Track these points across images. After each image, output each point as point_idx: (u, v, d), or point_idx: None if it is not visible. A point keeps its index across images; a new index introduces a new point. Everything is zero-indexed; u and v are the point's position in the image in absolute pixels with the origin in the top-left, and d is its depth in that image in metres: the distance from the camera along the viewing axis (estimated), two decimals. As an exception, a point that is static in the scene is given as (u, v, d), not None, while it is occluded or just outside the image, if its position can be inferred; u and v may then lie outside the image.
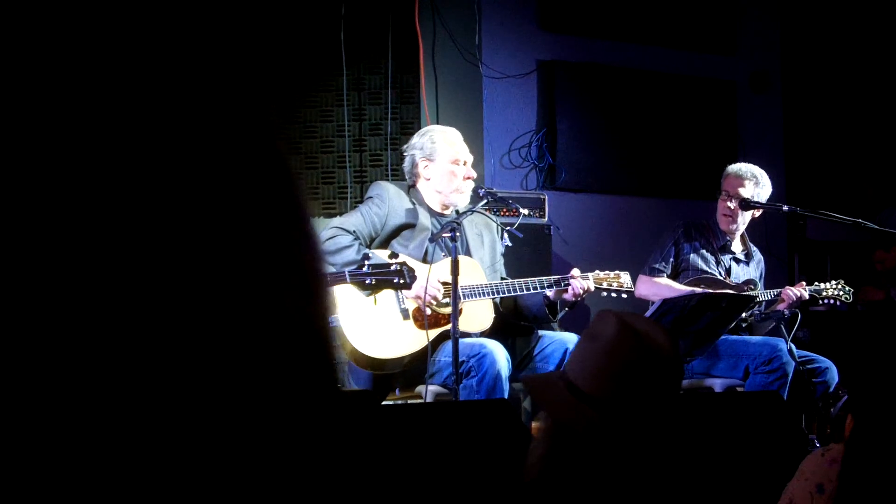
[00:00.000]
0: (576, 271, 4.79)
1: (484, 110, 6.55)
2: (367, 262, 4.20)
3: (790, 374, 5.16)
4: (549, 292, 4.79)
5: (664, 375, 1.89)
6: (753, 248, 5.80)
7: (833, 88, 7.84)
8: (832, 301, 5.68)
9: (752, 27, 7.50)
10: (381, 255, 4.54)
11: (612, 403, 1.90)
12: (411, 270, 4.23)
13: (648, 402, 1.89)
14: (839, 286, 5.69)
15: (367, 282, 4.18)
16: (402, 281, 4.19)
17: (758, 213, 5.73)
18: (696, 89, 7.19)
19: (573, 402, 1.94)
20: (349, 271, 4.21)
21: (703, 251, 5.59)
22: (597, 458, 1.91)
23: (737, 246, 5.70)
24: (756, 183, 5.60)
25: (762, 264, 5.87)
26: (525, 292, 4.76)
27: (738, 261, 5.70)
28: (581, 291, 4.74)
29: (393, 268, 4.20)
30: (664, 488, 1.92)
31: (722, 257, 5.63)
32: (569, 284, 4.73)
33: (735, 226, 5.63)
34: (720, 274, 5.55)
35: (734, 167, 5.70)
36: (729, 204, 5.58)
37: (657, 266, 5.56)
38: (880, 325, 6.56)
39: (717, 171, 5.83)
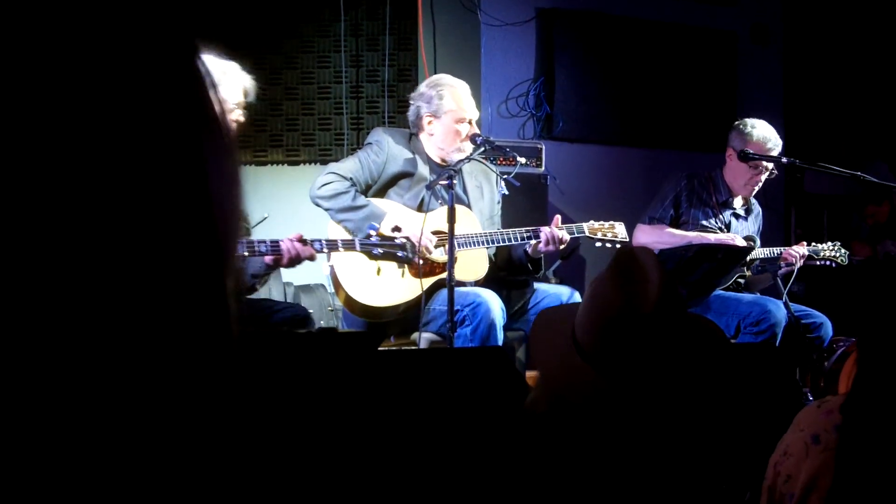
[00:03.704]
0: (557, 219, 4.74)
1: (482, 58, 6.51)
2: (373, 234, 4.35)
3: (779, 335, 5.15)
4: (529, 246, 4.75)
5: (648, 331, 1.87)
6: (753, 202, 5.76)
7: (832, 41, 7.79)
8: (829, 262, 5.68)
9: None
10: (379, 205, 4.55)
11: (601, 355, 1.89)
12: (413, 245, 4.40)
13: (635, 355, 1.87)
14: (836, 248, 5.68)
15: (374, 252, 4.37)
16: (406, 255, 4.38)
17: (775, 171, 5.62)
18: (696, 39, 7.14)
19: (571, 351, 1.93)
20: (359, 241, 4.34)
21: (705, 205, 5.55)
22: (593, 409, 1.90)
23: (738, 201, 5.65)
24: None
25: (760, 217, 5.83)
26: (515, 242, 4.73)
27: (737, 216, 5.65)
28: (551, 240, 4.67)
29: (398, 241, 4.36)
30: (659, 440, 1.92)
31: (722, 213, 5.58)
32: (538, 236, 4.68)
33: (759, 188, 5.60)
34: (720, 229, 5.52)
35: (770, 132, 5.55)
36: (765, 177, 5.52)
37: (657, 216, 5.51)
38: (869, 280, 6.57)
39: (716, 122, 5.78)
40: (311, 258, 4.20)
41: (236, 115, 4.20)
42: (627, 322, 1.85)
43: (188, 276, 0.60)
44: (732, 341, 5.27)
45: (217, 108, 0.64)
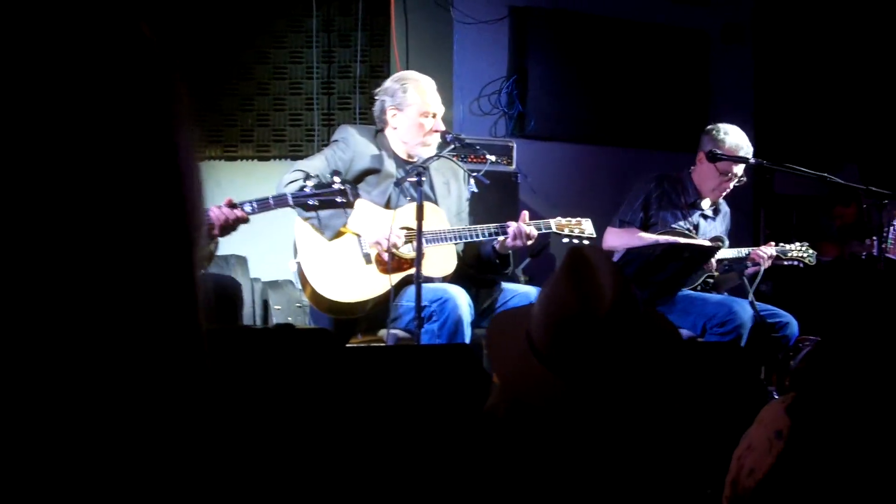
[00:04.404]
0: (524, 215, 4.74)
1: (454, 55, 6.51)
2: (308, 184, 4.15)
3: (745, 336, 5.17)
4: (497, 242, 4.75)
5: (603, 334, 1.86)
6: (721, 201, 5.78)
7: (804, 42, 7.83)
8: (797, 262, 5.70)
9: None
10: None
11: (556, 356, 1.88)
12: (353, 188, 4.18)
13: (589, 356, 1.87)
14: (803, 248, 5.71)
15: (309, 202, 4.14)
16: (344, 200, 4.14)
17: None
18: (668, 39, 7.16)
19: (527, 353, 1.92)
20: (291, 193, 4.14)
21: (674, 207, 5.56)
22: (550, 412, 1.90)
23: (706, 202, 5.66)
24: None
25: (728, 217, 5.85)
26: (484, 238, 4.73)
27: (705, 216, 5.67)
28: (518, 236, 4.67)
29: (335, 187, 4.14)
30: (623, 438, 1.92)
31: (691, 214, 5.60)
32: (506, 231, 4.68)
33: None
34: (689, 231, 5.53)
35: (742, 140, 5.55)
36: (734, 184, 5.55)
37: (627, 219, 5.51)
38: (836, 281, 6.61)
39: (687, 122, 5.78)
40: (245, 220, 4.04)
41: None
42: (583, 324, 1.84)
43: (163, 266, 0.61)
44: (699, 340, 5.30)
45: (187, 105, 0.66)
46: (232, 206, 3.99)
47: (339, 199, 4.13)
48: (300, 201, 4.14)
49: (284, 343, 2.63)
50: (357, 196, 4.19)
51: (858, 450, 1.88)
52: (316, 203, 4.14)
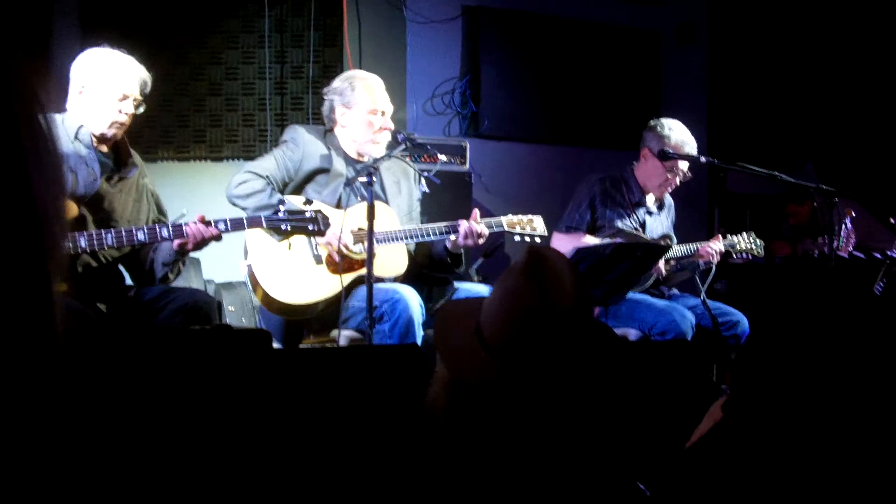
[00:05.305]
0: (475, 213, 4.74)
1: (407, 55, 6.50)
2: (282, 208, 4.21)
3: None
4: (449, 241, 4.75)
5: (563, 328, 1.86)
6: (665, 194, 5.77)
7: (757, 42, 7.89)
8: (745, 255, 5.72)
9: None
10: (295, 202, 4.50)
11: (510, 352, 1.87)
12: (325, 218, 4.24)
13: (548, 351, 1.86)
14: (751, 239, 5.73)
15: (282, 227, 4.20)
16: (316, 228, 4.22)
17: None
18: (621, 39, 7.20)
19: (476, 347, 1.91)
20: (265, 216, 4.20)
21: (618, 206, 5.55)
22: (497, 407, 1.89)
23: (650, 198, 5.68)
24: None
25: (673, 210, 5.85)
26: (435, 238, 4.73)
27: (650, 213, 5.67)
28: (469, 234, 4.67)
29: (308, 214, 4.21)
30: (570, 434, 1.92)
31: (636, 212, 5.60)
32: (457, 230, 4.69)
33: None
34: (636, 229, 5.54)
35: (686, 136, 5.57)
36: (679, 180, 5.55)
37: (573, 224, 5.50)
38: (788, 279, 6.66)
39: (640, 121, 5.75)
40: (217, 238, 4.11)
41: (131, 108, 4.18)
42: (544, 317, 1.84)
43: (12, 272, 0.60)
44: (652, 340, 5.31)
45: (41, 121, 0.65)
46: (206, 223, 4.03)
47: (311, 227, 4.21)
48: (273, 225, 4.19)
49: (221, 344, 2.61)
50: (328, 225, 4.22)
51: (786, 444, 1.89)
52: (289, 228, 4.20)
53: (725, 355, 5.34)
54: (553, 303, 1.83)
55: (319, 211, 4.25)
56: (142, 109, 4.23)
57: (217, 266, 5.77)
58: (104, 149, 4.23)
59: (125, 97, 4.15)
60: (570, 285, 1.86)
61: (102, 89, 4.14)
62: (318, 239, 4.59)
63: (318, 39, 6.35)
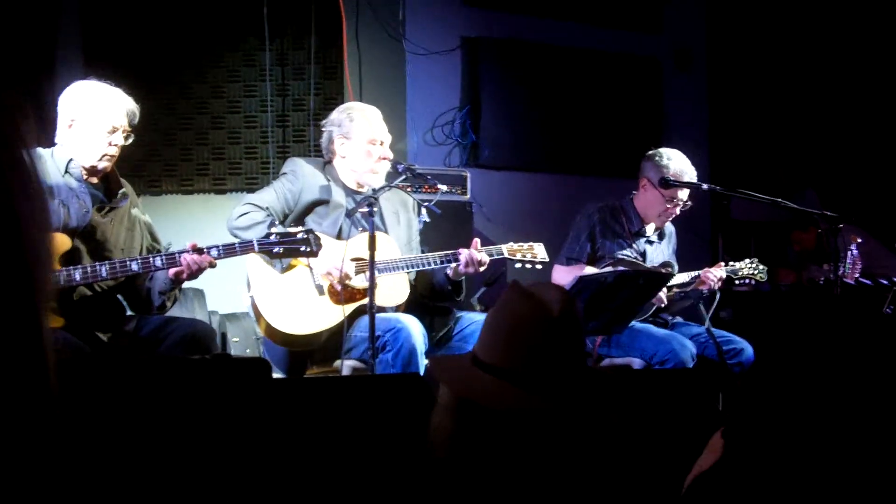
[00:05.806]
0: (475, 242, 4.74)
1: (407, 86, 6.53)
2: (273, 231, 4.20)
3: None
4: (450, 269, 4.76)
5: (557, 334, 1.87)
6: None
7: (757, 67, 7.91)
8: (749, 280, 5.70)
9: (677, 5, 7.54)
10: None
11: (515, 371, 1.88)
12: (317, 238, 4.24)
13: (550, 367, 1.87)
14: (753, 265, 5.71)
15: (274, 250, 4.20)
16: (308, 249, 4.21)
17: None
18: (621, 67, 7.22)
19: (477, 374, 1.91)
20: (257, 240, 4.20)
21: (618, 237, 5.54)
22: (505, 432, 1.88)
23: (650, 227, 5.67)
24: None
25: (674, 237, 5.83)
26: (435, 266, 4.73)
27: (650, 242, 5.66)
28: (470, 262, 4.67)
29: (299, 236, 4.21)
30: (576, 461, 1.91)
31: (636, 242, 5.59)
32: (457, 258, 4.69)
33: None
34: (636, 259, 5.52)
35: (686, 165, 5.55)
36: (680, 209, 5.54)
37: (574, 255, 5.49)
38: (794, 307, 6.64)
39: (641, 149, 5.73)
40: (212, 265, 4.11)
41: (121, 140, 4.19)
42: (537, 326, 1.85)
43: (2, 307, 0.61)
44: (655, 368, 5.28)
45: (26, 157, 0.66)
46: (198, 251, 4.04)
47: (303, 248, 4.20)
48: (265, 248, 4.19)
49: (220, 373, 2.61)
50: (320, 245, 4.23)
51: (788, 471, 1.88)
52: (280, 251, 4.20)
53: (730, 384, 5.30)
54: (542, 312, 1.85)
55: (311, 230, 4.25)
56: (131, 140, 4.24)
57: (221, 297, 5.78)
58: (94, 180, 4.24)
59: (114, 129, 4.17)
60: (559, 302, 1.87)
61: (92, 122, 4.15)
62: (317, 270, 4.60)
63: (319, 72, 6.39)
